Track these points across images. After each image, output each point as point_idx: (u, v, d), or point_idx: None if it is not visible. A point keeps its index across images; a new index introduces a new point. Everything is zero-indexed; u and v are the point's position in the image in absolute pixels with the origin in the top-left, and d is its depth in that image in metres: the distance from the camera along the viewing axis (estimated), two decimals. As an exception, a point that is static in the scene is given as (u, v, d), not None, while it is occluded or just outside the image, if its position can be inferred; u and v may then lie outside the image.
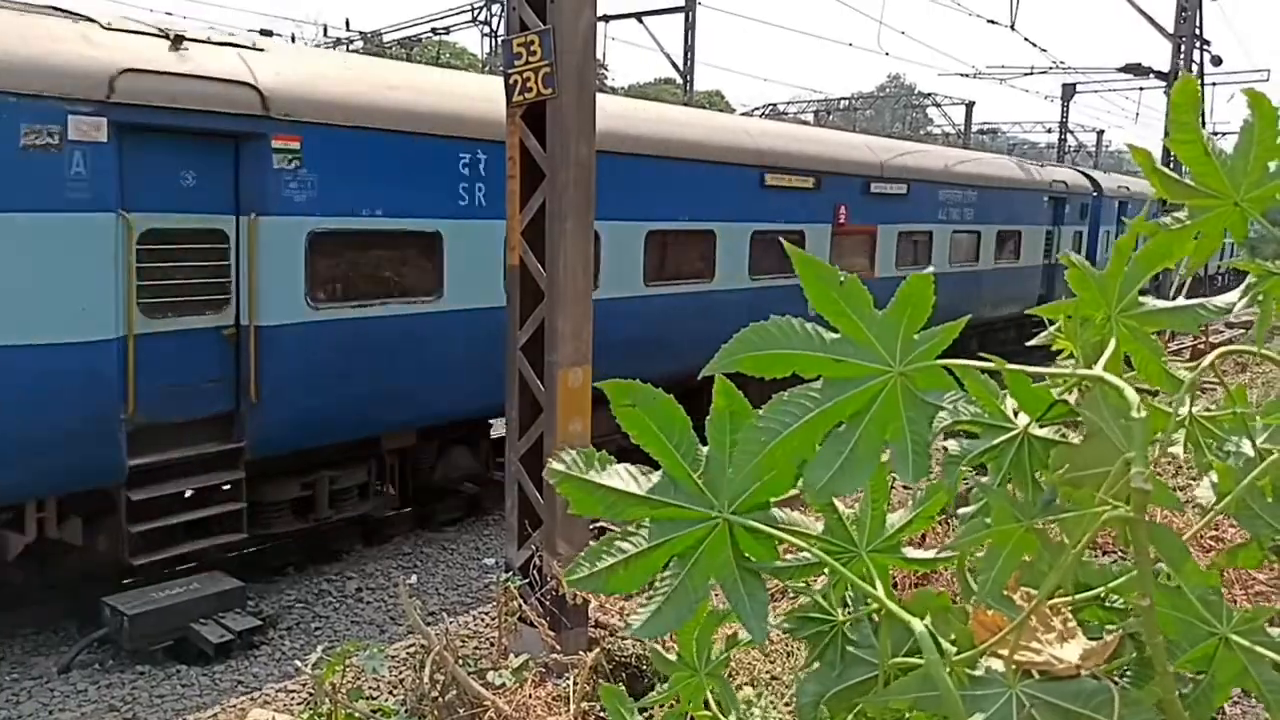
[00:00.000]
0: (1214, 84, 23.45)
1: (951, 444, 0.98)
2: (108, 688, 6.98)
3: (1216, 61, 23.57)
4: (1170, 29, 22.67)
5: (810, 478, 0.90)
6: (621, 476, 1.04)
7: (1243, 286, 0.94)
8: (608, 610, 5.66)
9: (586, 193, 5.68)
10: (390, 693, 6.42)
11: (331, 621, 8.25)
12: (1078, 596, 0.93)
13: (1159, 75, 24.51)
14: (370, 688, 6.23)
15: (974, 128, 47.02)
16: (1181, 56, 22.47)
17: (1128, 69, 25.90)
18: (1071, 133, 44.34)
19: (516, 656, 4.53)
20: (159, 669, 7.24)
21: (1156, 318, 0.92)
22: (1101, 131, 54.16)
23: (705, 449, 1.06)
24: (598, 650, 4.48)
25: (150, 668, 7.25)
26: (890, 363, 0.91)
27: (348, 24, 31.25)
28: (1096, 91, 38.70)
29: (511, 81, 5.58)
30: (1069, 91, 40.52)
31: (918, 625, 0.85)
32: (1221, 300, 0.93)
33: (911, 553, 1.05)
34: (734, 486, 0.96)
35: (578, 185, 5.61)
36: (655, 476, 1.04)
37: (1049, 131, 47.47)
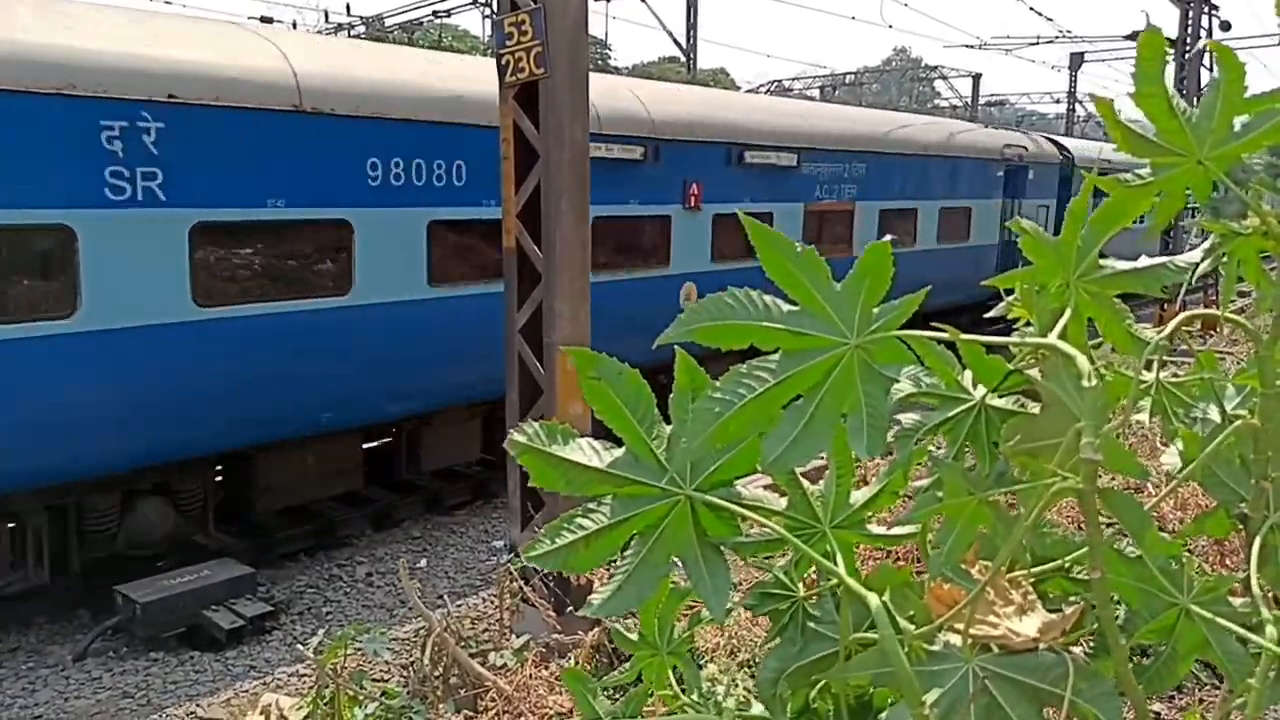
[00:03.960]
0: (1223, 50, 23.00)
1: (907, 416, 0.96)
2: (122, 675, 7.05)
3: (1225, 26, 23.22)
4: (1178, -6, 22.34)
5: (766, 450, 0.89)
6: (584, 451, 1.03)
7: (1204, 246, 0.92)
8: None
9: (580, 173, 5.65)
10: (400, 675, 6.47)
11: (342, 606, 8.30)
12: (1039, 569, 0.91)
13: (1168, 42, 24.15)
14: (382, 671, 6.28)
15: (981, 100, 46.59)
16: (1189, 22, 22.17)
17: (1135, 36, 25.55)
18: (1080, 103, 43.89)
19: (519, 637, 4.56)
20: (172, 655, 7.31)
21: (1117, 280, 0.90)
22: (1111, 100, 53.42)
23: (670, 428, 1.05)
24: (598, 630, 4.49)
25: (163, 654, 7.31)
26: (847, 335, 0.89)
27: (348, 9, 31.09)
28: (1104, 60, 38.35)
29: (504, 62, 5.54)
30: (1077, 61, 40.08)
31: (874, 600, 0.84)
32: (1184, 259, 0.90)
33: (875, 529, 1.04)
34: (688, 457, 0.95)
35: (572, 166, 5.57)
36: (618, 452, 1.03)
37: (1057, 102, 47.04)
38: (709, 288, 10.77)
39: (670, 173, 11.33)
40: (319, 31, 28.22)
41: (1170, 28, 23.07)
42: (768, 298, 0.91)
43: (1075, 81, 41.31)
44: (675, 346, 0.97)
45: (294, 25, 30.11)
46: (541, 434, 1.00)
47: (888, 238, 0.87)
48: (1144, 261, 0.90)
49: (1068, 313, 0.86)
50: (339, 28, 30.65)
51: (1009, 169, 18.43)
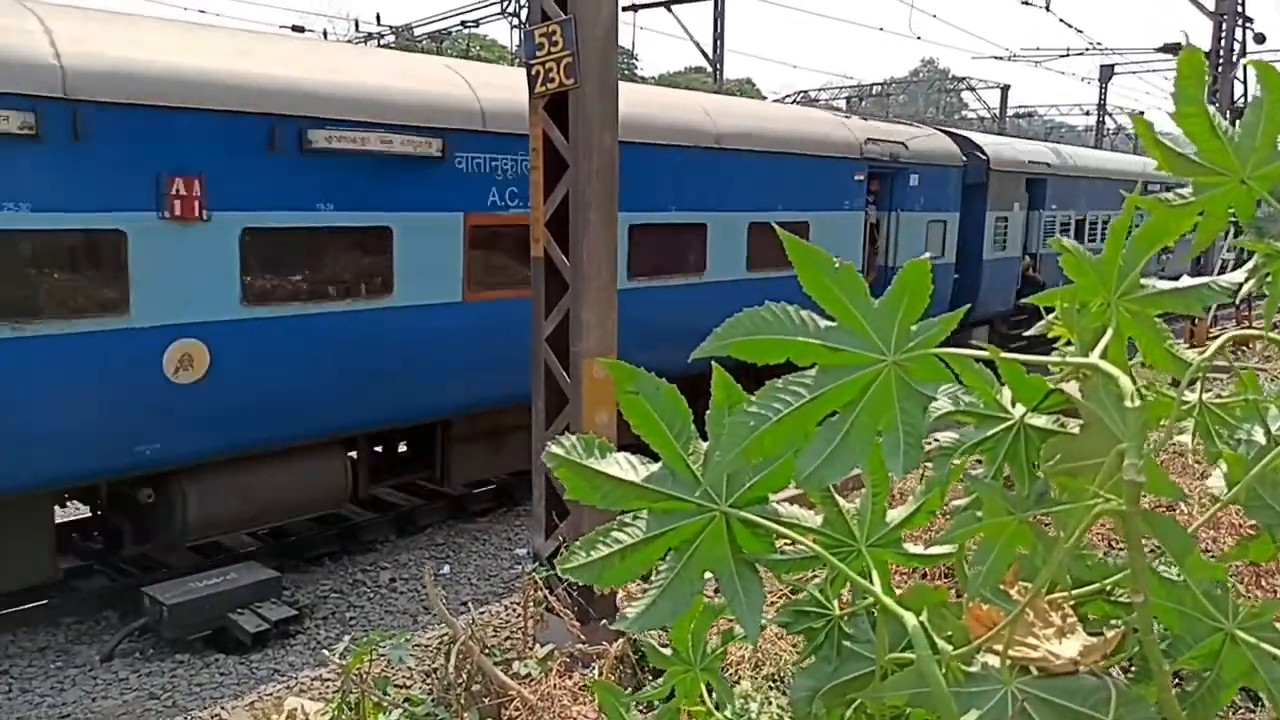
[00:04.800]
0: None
1: (945, 435, 0.95)
2: (148, 676, 7.13)
3: (1260, 39, 22.96)
4: (1211, 7, 22.14)
5: (800, 465, 0.89)
6: (620, 465, 1.03)
7: (1248, 266, 0.91)
8: (637, 600, 5.66)
9: (610, 182, 5.67)
10: (423, 682, 6.50)
11: (366, 611, 8.35)
12: (1079, 591, 0.90)
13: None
14: (405, 677, 6.30)
15: (1010, 111, 46.33)
16: (1223, 35, 21.94)
17: (1167, 49, 25.34)
18: (1110, 115, 43.51)
19: (543, 647, 4.56)
20: (198, 658, 7.38)
21: (1159, 300, 0.89)
22: (1141, 113, 52.84)
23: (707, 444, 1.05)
24: (622, 640, 4.49)
25: (189, 656, 7.38)
26: (884, 351, 0.89)
27: (378, 18, 31.44)
28: (1135, 73, 38.07)
29: (534, 72, 5.57)
30: (1107, 73, 39.79)
31: (911, 620, 0.84)
32: (1227, 279, 0.89)
33: (912, 548, 1.03)
34: (723, 471, 0.95)
35: (601, 175, 5.60)
36: (654, 466, 1.03)
37: (1087, 114, 46.66)
38: (237, 344, 7.04)
39: (120, 158, 6.69)
40: (349, 41, 28.55)
41: (1203, 40, 22.84)
42: (804, 313, 0.91)
43: (1105, 93, 41.00)
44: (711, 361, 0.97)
45: (324, 35, 30.51)
46: (579, 447, 1.00)
47: (926, 255, 0.86)
48: (1186, 281, 0.89)
49: (1109, 332, 0.85)
50: (369, 37, 30.99)
51: (876, 171, 13.95)
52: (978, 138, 17.70)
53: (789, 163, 12.16)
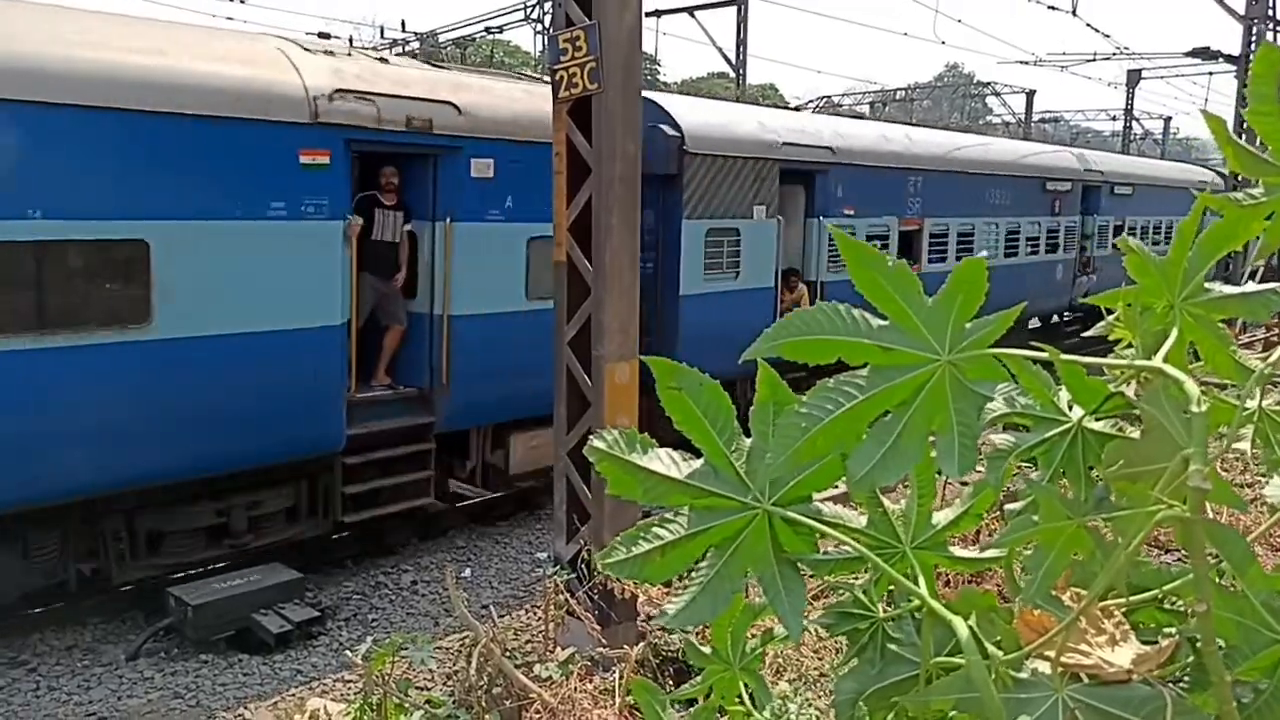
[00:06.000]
0: (1288, 68, 22.45)
1: (999, 437, 0.94)
2: (173, 675, 7.18)
3: (1290, 44, 22.68)
4: (1241, 10, 21.92)
5: (851, 468, 0.88)
6: (663, 460, 1.02)
7: None
8: (656, 604, 5.66)
9: (632, 187, 5.67)
10: (444, 684, 6.50)
11: (387, 613, 8.38)
12: (1133, 598, 0.89)
13: (1229, 59, 23.74)
14: (425, 679, 6.31)
15: (1035, 116, 46.04)
16: (1253, 39, 21.71)
17: (1196, 53, 25.10)
18: (1137, 120, 43.13)
19: (564, 650, 4.55)
20: (221, 658, 7.43)
21: (1224, 304, 0.87)
22: (1169, 118, 52.35)
23: (750, 441, 1.04)
24: (643, 644, 4.47)
25: (213, 656, 7.44)
26: (938, 351, 0.87)
27: (403, 25, 31.69)
28: (1163, 78, 37.65)
29: (558, 77, 5.59)
30: (1134, 78, 39.46)
31: (960, 625, 0.82)
32: None
33: (958, 551, 1.01)
34: (772, 473, 0.93)
35: (624, 180, 5.60)
36: (696, 463, 1.02)
37: (1114, 119, 46.25)
38: None
39: None
40: (374, 48, 28.74)
41: (1234, 45, 22.62)
42: (856, 311, 0.90)
43: (1132, 99, 40.65)
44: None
45: (350, 41, 30.75)
46: (621, 442, 1.00)
47: (983, 254, 0.85)
48: (1251, 287, 0.88)
49: (1172, 335, 0.83)
50: (394, 43, 31.22)
51: (380, 152, 8.31)
52: (666, 99, 11.21)
53: (81, 124, 6.46)
